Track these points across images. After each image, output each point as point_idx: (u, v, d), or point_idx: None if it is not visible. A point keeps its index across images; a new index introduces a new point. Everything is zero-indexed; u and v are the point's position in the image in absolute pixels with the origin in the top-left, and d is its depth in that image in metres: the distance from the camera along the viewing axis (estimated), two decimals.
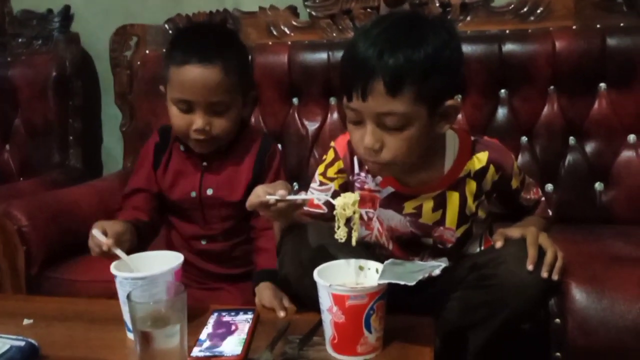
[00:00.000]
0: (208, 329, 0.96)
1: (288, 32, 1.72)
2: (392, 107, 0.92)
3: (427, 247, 1.08)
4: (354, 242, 0.93)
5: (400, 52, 0.90)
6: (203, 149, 1.22)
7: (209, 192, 1.24)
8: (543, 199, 1.15)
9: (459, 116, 1.04)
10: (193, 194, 1.25)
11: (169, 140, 1.28)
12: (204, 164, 1.25)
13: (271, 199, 0.94)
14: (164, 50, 1.24)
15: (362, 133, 0.96)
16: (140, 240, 1.16)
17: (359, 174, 1.11)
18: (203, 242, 1.27)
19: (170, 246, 1.28)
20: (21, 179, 1.92)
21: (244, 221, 1.26)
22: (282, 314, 1.03)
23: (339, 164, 1.13)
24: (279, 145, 1.67)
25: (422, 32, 0.93)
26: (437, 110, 0.95)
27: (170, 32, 1.80)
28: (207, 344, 0.92)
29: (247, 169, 1.25)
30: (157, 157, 1.29)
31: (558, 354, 0.94)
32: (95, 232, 1.05)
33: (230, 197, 1.24)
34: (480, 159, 1.04)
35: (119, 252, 1.03)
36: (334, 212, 0.93)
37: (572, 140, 1.51)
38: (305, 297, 0.96)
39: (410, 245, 1.09)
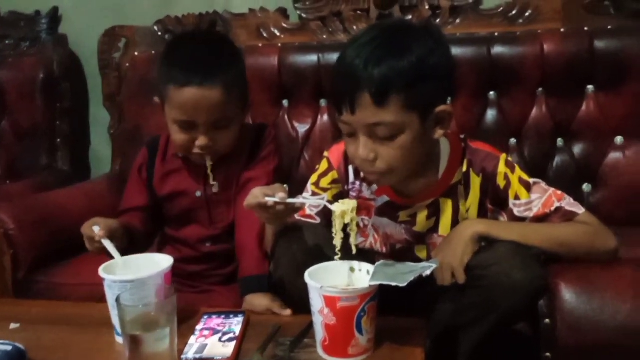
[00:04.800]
0: (198, 332, 0.95)
1: (278, 34, 1.72)
2: (380, 118, 0.93)
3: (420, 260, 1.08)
4: (354, 250, 0.94)
5: (384, 63, 0.91)
6: (206, 161, 1.20)
7: (215, 189, 1.24)
8: (562, 205, 1.01)
9: (446, 131, 1.03)
10: (198, 194, 1.25)
11: (158, 151, 1.29)
12: (210, 158, 1.22)
13: (270, 201, 0.93)
14: (161, 64, 1.20)
15: (357, 145, 0.97)
16: (132, 245, 1.15)
17: (354, 183, 1.12)
18: (208, 244, 1.27)
19: None
20: (8, 181, 1.89)
21: None
22: (288, 311, 1.04)
23: (333, 174, 1.13)
24: None
25: (406, 42, 0.94)
26: (430, 117, 0.96)
27: (160, 33, 1.79)
28: (197, 347, 0.91)
29: (246, 160, 1.25)
30: (150, 172, 1.29)
31: (548, 354, 0.95)
32: (88, 224, 1.07)
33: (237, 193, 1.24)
34: (466, 165, 1.05)
35: (108, 244, 1.03)
36: (332, 219, 0.93)
37: (560, 141, 1.52)
38: (299, 299, 0.95)
39: (403, 257, 1.09)
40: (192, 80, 1.12)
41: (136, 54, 1.79)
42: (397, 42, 0.94)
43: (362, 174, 1.11)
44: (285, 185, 1.01)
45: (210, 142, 1.16)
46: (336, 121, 1.00)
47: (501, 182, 1.03)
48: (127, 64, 1.79)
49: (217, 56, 1.17)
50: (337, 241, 0.92)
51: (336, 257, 0.93)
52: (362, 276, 0.93)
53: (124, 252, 1.05)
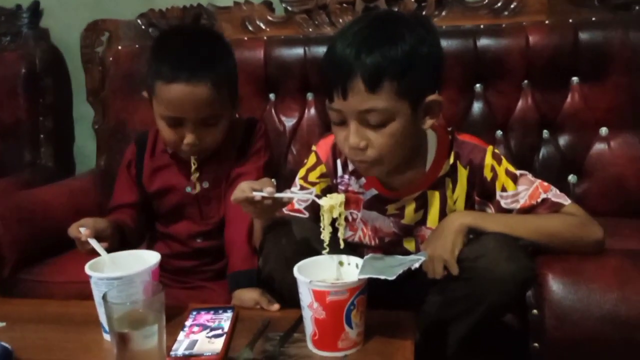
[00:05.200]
0: (187, 329, 0.95)
1: (264, 27, 1.70)
2: (372, 104, 0.92)
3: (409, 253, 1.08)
4: (342, 244, 0.94)
5: (377, 50, 0.91)
6: (193, 156, 1.20)
7: (205, 185, 1.24)
8: (548, 196, 1.01)
9: (435, 121, 1.04)
10: (188, 189, 1.24)
11: (147, 146, 1.28)
12: (195, 157, 1.23)
13: (257, 195, 0.93)
14: (149, 58, 1.18)
15: (346, 133, 0.97)
16: (123, 242, 1.15)
17: (342, 177, 1.12)
18: (198, 240, 1.27)
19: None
20: None
21: None
22: (276, 306, 1.04)
23: (321, 168, 1.13)
24: None
25: (398, 30, 0.94)
26: (420, 106, 0.96)
27: (143, 27, 1.77)
28: (186, 343, 0.90)
29: (236, 155, 1.25)
30: (139, 168, 1.28)
31: (536, 344, 0.95)
32: (74, 225, 1.06)
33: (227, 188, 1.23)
34: (453, 157, 1.05)
35: (94, 243, 1.02)
36: (320, 213, 0.93)
37: (545, 133, 1.53)
38: (289, 294, 0.95)
39: (392, 250, 1.09)
40: (179, 77, 1.10)
41: (119, 48, 1.77)
42: (389, 30, 0.94)
43: (350, 168, 1.11)
44: (273, 180, 1.00)
45: (197, 139, 1.15)
46: (326, 109, 1.00)
47: (488, 174, 1.03)
48: (111, 59, 1.77)
49: (206, 52, 1.15)
50: (326, 235, 0.92)
51: (324, 252, 0.93)
52: (351, 270, 0.93)
53: (116, 250, 1.05)
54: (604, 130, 1.49)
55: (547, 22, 1.54)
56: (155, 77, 1.13)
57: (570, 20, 1.51)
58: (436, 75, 1.00)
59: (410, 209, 1.08)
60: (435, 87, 1.00)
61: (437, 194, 1.07)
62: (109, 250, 1.04)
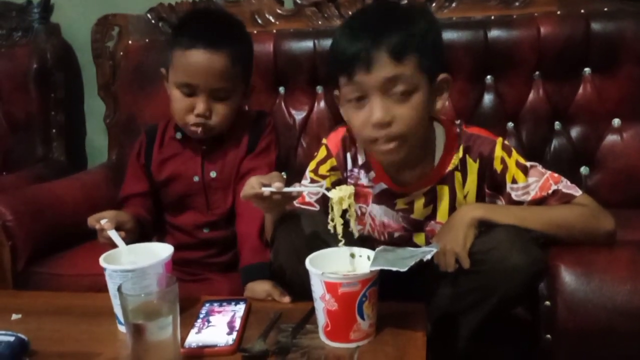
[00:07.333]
0: (200, 320, 0.96)
1: (273, 20, 1.70)
2: (399, 71, 0.94)
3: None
4: (355, 234, 0.94)
5: (400, 25, 0.95)
6: (201, 135, 1.21)
7: (213, 175, 1.25)
8: (559, 187, 1.01)
9: (446, 103, 1.05)
10: (196, 179, 1.26)
11: (156, 135, 1.30)
12: (203, 147, 1.26)
13: (266, 191, 0.93)
14: (171, 35, 1.26)
15: (366, 113, 0.97)
16: (142, 234, 1.17)
17: (352, 170, 1.12)
18: (205, 230, 1.28)
19: None
20: (4, 173, 1.88)
21: None
22: (287, 299, 1.04)
23: (332, 162, 1.13)
24: None
25: (411, 13, 1.00)
26: (434, 84, 0.99)
27: (153, 21, 1.77)
28: (199, 335, 0.91)
29: (244, 146, 1.27)
30: (148, 155, 1.30)
31: (548, 336, 0.95)
32: (94, 216, 1.08)
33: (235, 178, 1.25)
34: (462, 151, 1.05)
35: (114, 235, 1.03)
36: (330, 204, 0.93)
37: (557, 125, 1.52)
38: (299, 286, 0.96)
39: (402, 245, 1.09)
40: (198, 43, 1.15)
41: (130, 42, 1.77)
42: (403, 12, 1.00)
43: (360, 161, 1.11)
44: (282, 174, 1.00)
45: (207, 110, 1.17)
46: (334, 97, 1.04)
47: (498, 166, 1.03)
48: (121, 53, 1.77)
49: (225, 28, 1.21)
50: (338, 228, 0.92)
51: (340, 244, 0.93)
52: (362, 262, 0.94)
53: (135, 241, 1.06)
54: (616, 122, 1.48)
55: (558, 12, 1.53)
56: (174, 47, 1.19)
57: (582, 11, 1.50)
58: (443, 58, 1.04)
59: (419, 204, 1.08)
60: (444, 68, 1.02)
61: (446, 189, 1.07)
62: (128, 241, 1.05)
